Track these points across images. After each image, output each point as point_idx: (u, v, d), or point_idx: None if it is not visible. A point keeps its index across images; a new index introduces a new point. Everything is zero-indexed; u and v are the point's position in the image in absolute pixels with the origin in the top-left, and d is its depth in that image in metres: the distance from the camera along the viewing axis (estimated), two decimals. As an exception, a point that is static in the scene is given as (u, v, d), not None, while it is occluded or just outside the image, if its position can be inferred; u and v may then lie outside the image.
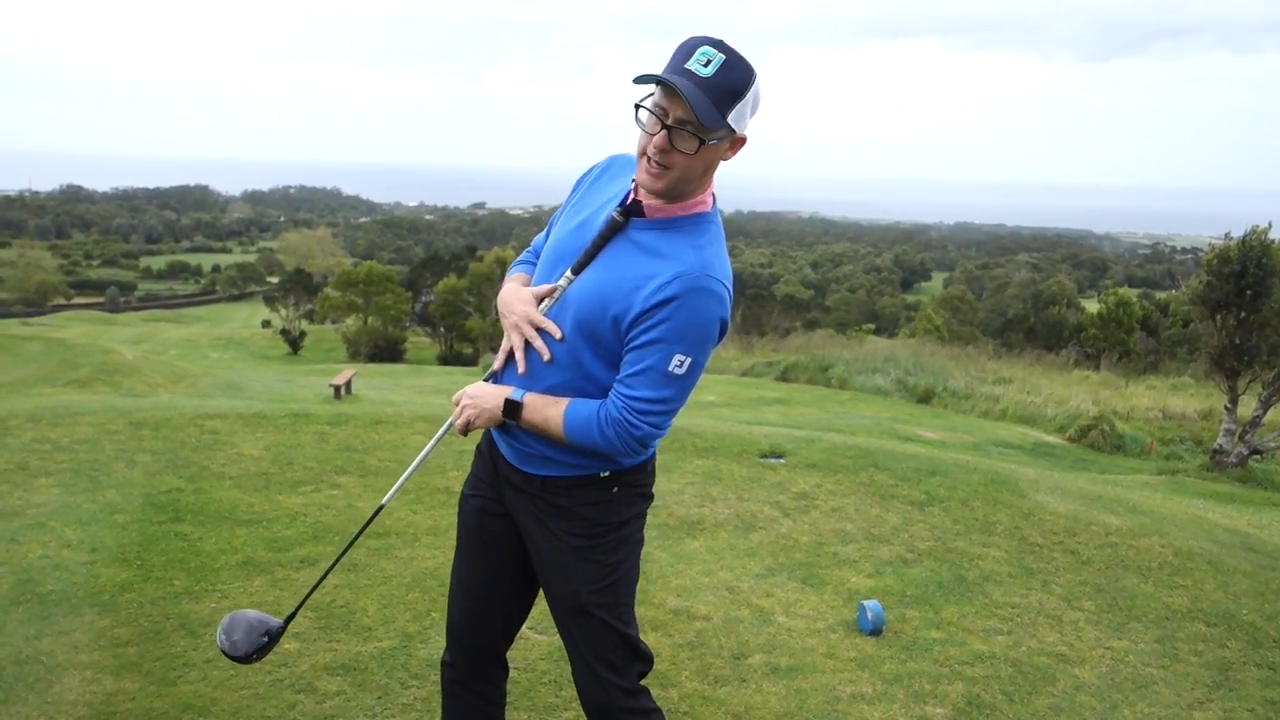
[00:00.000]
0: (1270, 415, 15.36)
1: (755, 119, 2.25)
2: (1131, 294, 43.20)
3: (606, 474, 2.44)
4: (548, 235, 2.57)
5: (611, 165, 2.50)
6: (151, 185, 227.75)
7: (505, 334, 2.43)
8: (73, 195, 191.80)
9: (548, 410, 2.33)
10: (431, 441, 2.55)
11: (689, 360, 2.24)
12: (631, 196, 2.31)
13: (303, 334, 51.64)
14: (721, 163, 2.29)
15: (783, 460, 7.14)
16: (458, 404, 2.43)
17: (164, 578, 4.47)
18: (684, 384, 2.28)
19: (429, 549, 5.02)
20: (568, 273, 2.35)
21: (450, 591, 2.69)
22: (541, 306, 2.38)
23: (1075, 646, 4.31)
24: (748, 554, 5.26)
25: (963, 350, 29.95)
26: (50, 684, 3.49)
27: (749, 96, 2.16)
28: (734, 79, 2.13)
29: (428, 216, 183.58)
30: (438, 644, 3.94)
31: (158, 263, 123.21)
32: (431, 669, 3.73)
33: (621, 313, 2.24)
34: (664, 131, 2.16)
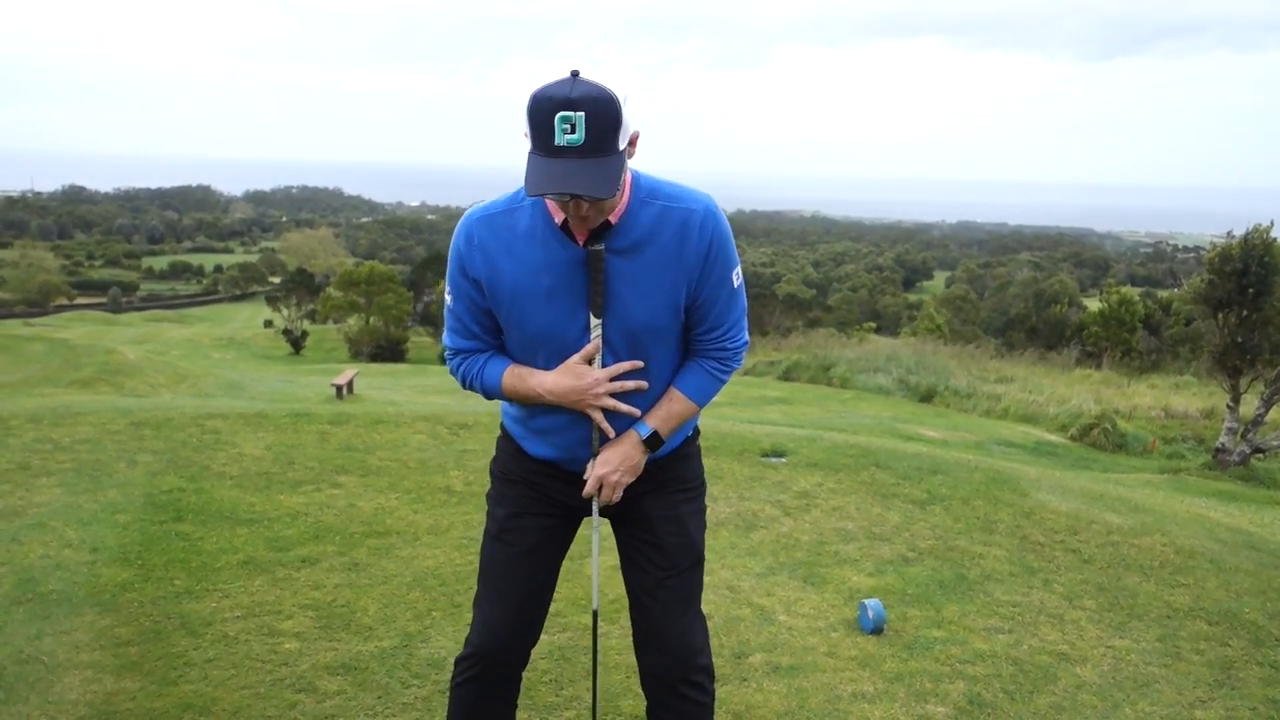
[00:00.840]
0: (1272, 414, 15.34)
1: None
2: (1133, 292, 43.13)
3: (691, 431, 2.62)
4: (477, 332, 2.45)
5: (474, 235, 2.35)
6: (154, 185, 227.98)
7: (589, 414, 2.41)
8: (75, 195, 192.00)
9: (672, 411, 2.46)
10: (595, 539, 2.60)
11: (738, 269, 2.40)
12: (571, 224, 2.26)
13: (305, 334, 51.66)
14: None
15: (784, 459, 7.14)
16: (604, 482, 2.44)
17: (165, 577, 4.48)
18: (744, 289, 2.47)
19: (430, 548, 5.02)
20: (592, 320, 2.32)
21: (481, 608, 2.58)
22: (595, 366, 2.37)
23: (1077, 645, 4.30)
24: (749, 553, 5.26)
25: (965, 349, 29.94)
26: (51, 683, 3.49)
27: (624, 113, 2.09)
28: (604, 121, 2.05)
29: (430, 216, 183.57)
30: (438, 644, 3.94)
31: (160, 263, 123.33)
32: (432, 668, 3.73)
33: (679, 294, 2.32)
34: (574, 201, 2.15)
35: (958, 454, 8.95)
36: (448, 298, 2.45)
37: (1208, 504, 9.09)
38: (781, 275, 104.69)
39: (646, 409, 2.44)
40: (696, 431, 2.64)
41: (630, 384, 2.39)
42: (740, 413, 15.37)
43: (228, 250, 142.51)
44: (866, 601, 4.37)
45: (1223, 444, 15.00)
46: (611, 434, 2.42)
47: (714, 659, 3.92)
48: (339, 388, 17.58)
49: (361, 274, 54.61)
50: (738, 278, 2.40)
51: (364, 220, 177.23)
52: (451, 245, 2.40)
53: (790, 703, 3.64)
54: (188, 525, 5.15)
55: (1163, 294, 51.92)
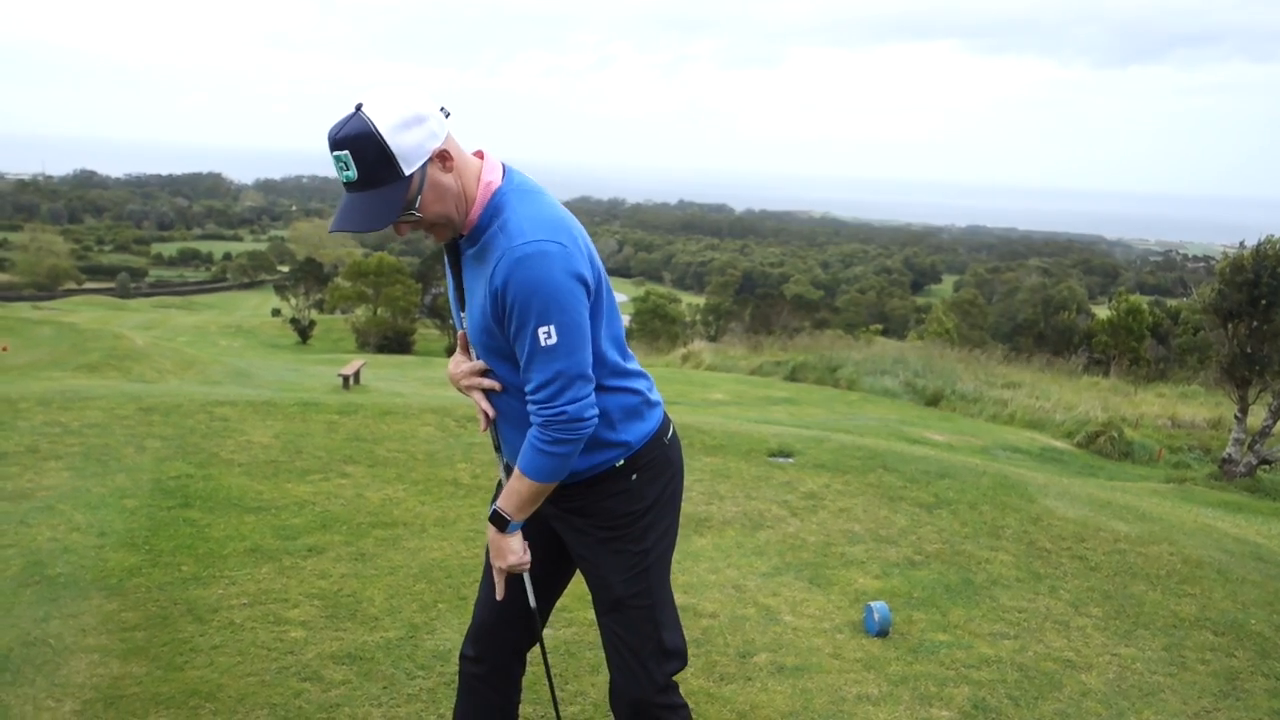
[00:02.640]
0: (1280, 425, 15.29)
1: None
2: (1142, 301, 43.00)
3: (621, 463, 2.44)
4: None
5: None
6: (164, 172, 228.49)
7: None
8: (86, 180, 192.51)
9: (511, 488, 2.37)
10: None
11: (551, 326, 2.19)
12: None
13: (312, 323, 51.78)
14: (470, 162, 2.29)
15: (791, 460, 7.13)
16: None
17: (172, 563, 4.48)
18: (564, 350, 2.21)
19: (436, 540, 5.03)
20: (460, 315, 2.44)
21: (480, 588, 2.70)
22: (472, 359, 2.46)
23: (1082, 652, 4.29)
24: (755, 552, 5.25)
25: (972, 354, 29.87)
26: (58, 666, 3.50)
27: (393, 144, 2.11)
28: (370, 157, 2.10)
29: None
30: (444, 635, 3.95)
31: (169, 249, 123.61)
32: (438, 660, 3.74)
33: (493, 318, 2.28)
34: (396, 225, 2.22)
35: (965, 458, 8.94)
36: None
37: (1214, 514, 9.06)
38: (790, 275, 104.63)
39: (522, 416, 2.36)
40: (630, 465, 2.45)
41: (487, 382, 2.41)
42: (746, 412, 15.36)
43: (237, 238, 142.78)
44: (872, 604, 4.37)
45: (1229, 454, 14.96)
46: (483, 419, 2.48)
47: (720, 657, 3.93)
48: (346, 378, 17.60)
49: (370, 265, 54.69)
50: (547, 336, 2.19)
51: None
52: None
53: (795, 703, 3.63)
54: (195, 512, 5.16)
55: (1172, 303, 51.75)
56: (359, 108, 2.11)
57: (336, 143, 2.10)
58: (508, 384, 2.38)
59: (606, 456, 2.42)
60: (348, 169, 2.11)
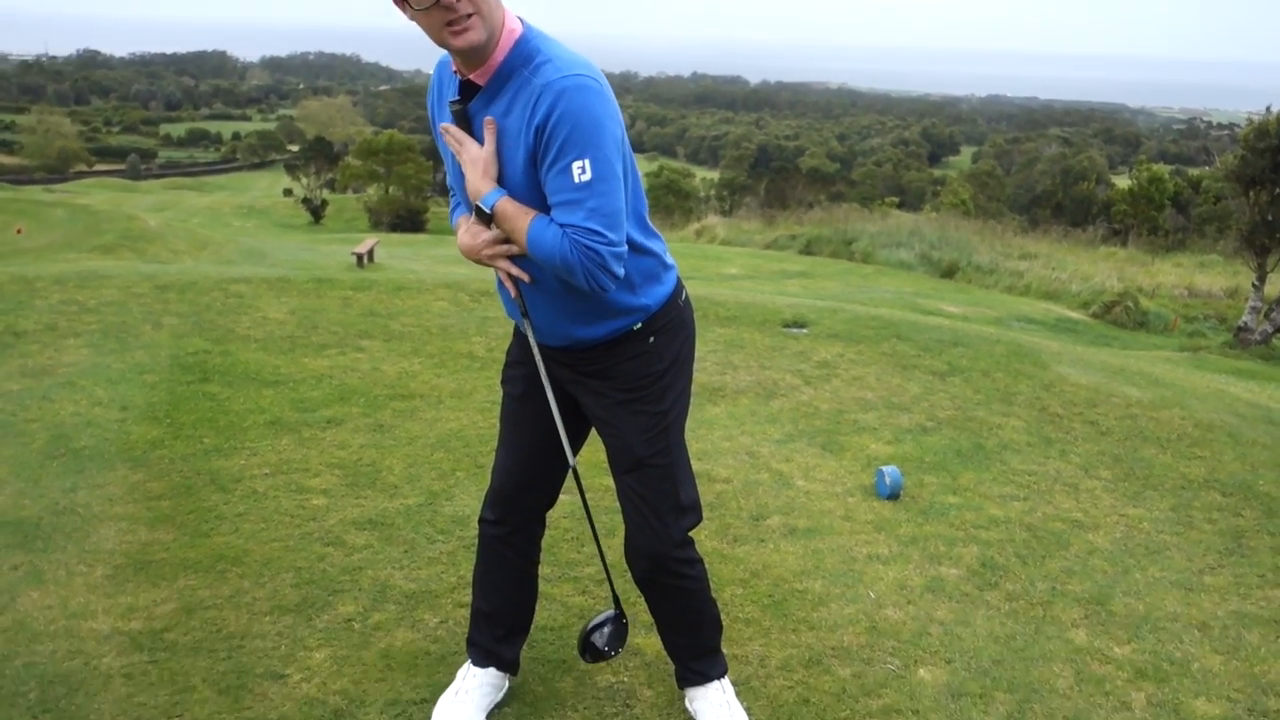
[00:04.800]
0: (1298, 293, 15.19)
1: None
2: (1163, 170, 42.28)
3: (639, 326, 2.43)
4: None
5: (433, 76, 2.44)
6: (169, 50, 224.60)
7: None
8: (90, 60, 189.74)
9: (513, 220, 2.25)
10: (556, 414, 2.53)
11: (588, 161, 2.12)
12: (459, 81, 2.27)
13: (324, 203, 51.44)
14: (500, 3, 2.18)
15: (805, 330, 7.14)
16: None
17: (194, 435, 4.56)
18: (599, 187, 2.14)
19: (453, 411, 5.09)
20: None
21: (496, 455, 2.72)
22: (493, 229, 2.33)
23: (1090, 513, 4.35)
24: (768, 420, 5.30)
25: (989, 225, 29.59)
26: (87, 534, 3.60)
27: None
28: None
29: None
30: (462, 502, 4.03)
31: (178, 130, 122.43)
32: (457, 524, 3.82)
33: (527, 165, 2.20)
34: (437, 9, 2.08)
35: (979, 327, 8.93)
36: None
37: (1227, 380, 9.08)
38: (805, 148, 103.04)
39: (548, 280, 2.33)
40: (647, 329, 2.45)
41: (515, 248, 2.30)
42: (761, 285, 15.33)
43: (245, 118, 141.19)
44: (883, 468, 4.42)
45: (1245, 323, 14.92)
46: (512, 291, 2.39)
47: (733, 520, 4.01)
48: (360, 256, 17.60)
49: (380, 143, 54.04)
50: (582, 171, 2.12)
51: (382, 88, 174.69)
52: None
53: (806, 563, 3.72)
54: (214, 386, 5.23)
55: (1193, 172, 50.81)
56: None
57: None
58: None
59: (627, 321, 2.42)
60: None
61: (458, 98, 2.27)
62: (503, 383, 2.71)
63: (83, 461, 4.20)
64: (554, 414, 2.53)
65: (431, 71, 2.46)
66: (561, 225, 2.16)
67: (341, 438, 4.67)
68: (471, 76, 2.22)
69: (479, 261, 2.38)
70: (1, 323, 6.02)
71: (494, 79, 2.20)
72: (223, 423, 4.74)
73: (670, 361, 2.51)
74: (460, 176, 2.33)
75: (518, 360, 2.63)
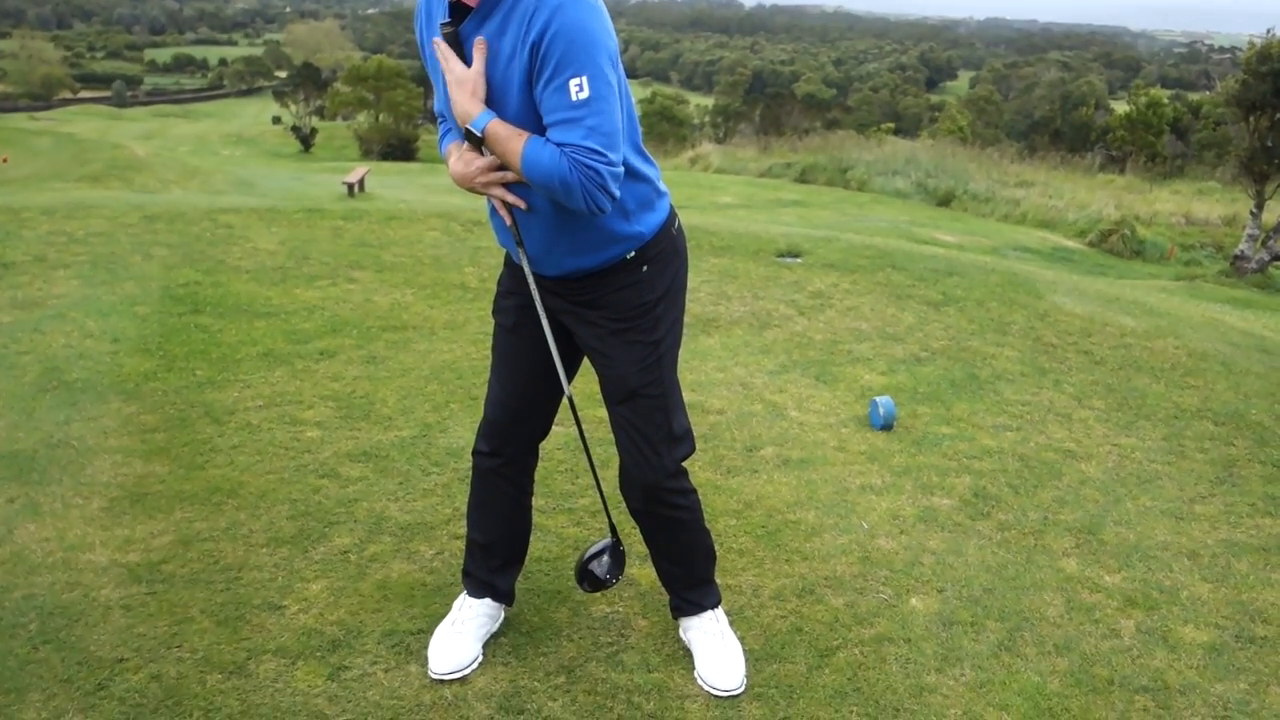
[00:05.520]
0: (1295, 221, 15.14)
1: None
2: (1163, 95, 41.87)
3: (632, 254, 2.40)
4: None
5: (420, 5, 2.36)
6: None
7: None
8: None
9: (511, 133, 2.17)
10: (543, 320, 2.47)
11: (585, 78, 2.07)
12: (449, 2, 2.20)
13: (314, 131, 50.88)
14: None
15: (799, 260, 7.10)
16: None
17: (186, 368, 4.55)
18: (596, 105, 2.09)
19: (446, 343, 5.07)
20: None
21: (489, 386, 2.71)
22: (486, 154, 2.27)
23: (1083, 443, 4.37)
24: (762, 351, 5.30)
25: (985, 152, 29.35)
26: (82, 466, 3.60)
27: None
28: None
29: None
30: (456, 434, 4.03)
31: (163, 55, 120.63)
32: (451, 456, 3.83)
33: (523, 85, 2.14)
34: None
35: (974, 256, 8.90)
36: None
37: (1222, 309, 9.08)
38: (801, 74, 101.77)
39: (544, 207, 2.28)
40: (640, 257, 2.42)
41: (511, 175, 2.24)
42: (755, 215, 15.24)
43: (231, 43, 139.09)
44: (877, 399, 4.43)
45: (1242, 251, 14.89)
46: (508, 219, 2.34)
47: (726, 451, 4.02)
48: (350, 185, 17.43)
49: (370, 69, 53.25)
50: (580, 88, 2.07)
51: (370, 11, 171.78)
52: None
53: (799, 494, 3.74)
54: (206, 318, 5.20)
55: (1194, 97, 50.34)
56: None
57: None
58: None
59: (621, 249, 2.39)
60: None
61: (449, 19, 2.20)
62: (494, 313, 2.67)
63: (75, 394, 4.19)
64: (549, 343, 2.51)
65: None
66: (559, 144, 2.11)
67: (335, 369, 4.66)
68: None
69: (472, 190, 2.32)
70: (-11, 254, 5.97)
71: (485, 1, 2.14)
72: (215, 355, 4.72)
73: (663, 291, 2.49)
74: (449, 101, 2.26)
75: (510, 290, 2.59)
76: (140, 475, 3.57)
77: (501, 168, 2.25)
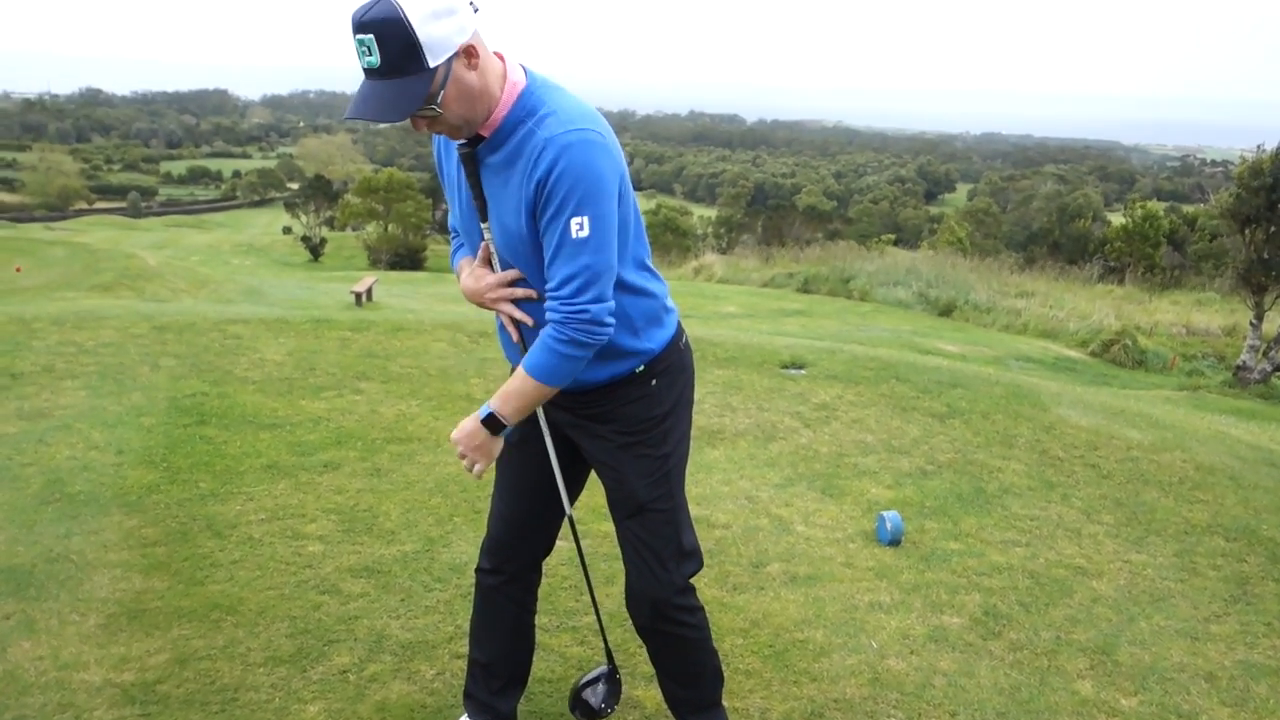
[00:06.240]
0: (1296, 332, 15.20)
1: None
2: (1158, 207, 42.50)
3: (641, 369, 2.42)
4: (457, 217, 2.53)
5: None
6: (171, 89, 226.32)
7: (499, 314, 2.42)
8: (92, 98, 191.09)
9: (511, 389, 2.30)
10: (549, 446, 2.54)
11: (586, 218, 2.14)
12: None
13: (323, 241, 51.64)
14: (493, 62, 2.18)
15: (803, 371, 7.12)
16: (460, 455, 2.39)
17: (190, 480, 4.53)
18: (594, 245, 2.16)
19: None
20: (482, 227, 2.32)
21: (492, 503, 2.69)
22: (496, 272, 2.36)
23: (1093, 559, 4.32)
24: (767, 464, 5.27)
25: (985, 263, 29.65)
26: (81, 581, 3.55)
27: (421, 33, 2.00)
28: (395, 45, 1.99)
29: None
30: (460, 548, 3.99)
31: (178, 168, 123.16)
32: (454, 572, 3.78)
33: (528, 216, 2.21)
34: (414, 119, 2.10)
35: (978, 368, 8.92)
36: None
37: (1228, 421, 9.06)
38: (802, 186, 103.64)
39: (540, 321, 2.33)
40: (649, 371, 2.44)
41: (520, 292, 2.32)
42: (759, 324, 15.34)
43: (245, 156, 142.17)
44: (884, 513, 4.39)
45: (1244, 361, 14.91)
46: (514, 332, 2.39)
47: (733, 568, 3.97)
48: (358, 295, 17.60)
49: (380, 181, 54.31)
50: (579, 228, 2.14)
51: (382, 126, 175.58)
52: None
53: (807, 611, 3.68)
54: (211, 429, 5.20)
55: (1188, 209, 51.05)
56: None
57: (361, 25, 1.99)
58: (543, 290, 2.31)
59: (629, 364, 2.41)
60: (370, 54, 2.00)
61: (465, 145, 2.26)
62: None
63: (77, 507, 4.16)
64: (552, 459, 2.51)
65: None
66: (552, 299, 2.20)
67: (338, 482, 4.63)
68: (480, 131, 2.22)
69: (482, 305, 2.38)
70: (-2, 364, 6.00)
71: (498, 132, 2.20)
72: (219, 467, 4.71)
73: (671, 405, 2.50)
74: (467, 217, 2.36)
75: None
76: (139, 591, 3.52)
77: (511, 284, 2.31)
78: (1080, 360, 16.80)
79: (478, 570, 2.72)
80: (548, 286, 2.21)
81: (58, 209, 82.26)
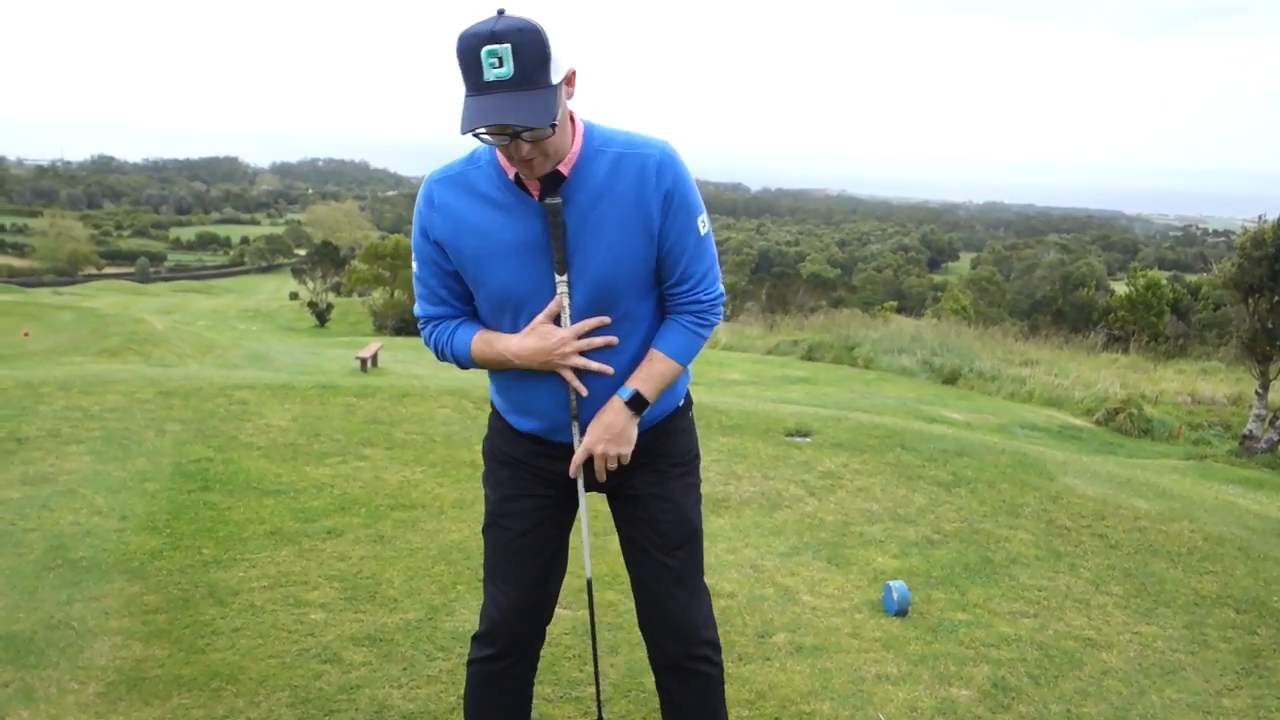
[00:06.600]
0: (1302, 401, 15.18)
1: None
2: (1161, 276, 42.66)
3: (682, 402, 2.55)
4: (446, 297, 2.44)
5: (434, 196, 2.35)
6: (182, 156, 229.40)
7: (560, 373, 2.37)
8: (104, 165, 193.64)
9: (653, 371, 2.39)
10: (583, 512, 2.56)
11: (704, 216, 2.36)
12: (534, 179, 2.24)
13: (330, 306, 51.85)
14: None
15: (808, 439, 7.11)
16: (592, 453, 2.40)
17: (193, 546, 4.51)
18: (710, 236, 2.41)
19: (455, 522, 5.04)
20: (557, 278, 2.29)
21: (491, 594, 2.58)
22: (564, 324, 2.33)
23: (1103, 631, 4.27)
24: (773, 532, 5.25)
25: (989, 331, 29.72)
26: (81, 649, 3.53)
27: (552, 47, 2.06)
28: (532, 53, 2.03)
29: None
30: (463, 616, 3.96)
31: (187, 234, 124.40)
32: (457, 641, 3.75)
33: (646, 236, 2.28)
34: (514, 142, 2.11)
35: (983, 436, 8.90)
36: (414, 265, 2.44)
37: (1235, 491, 9.01)
38: (806, 254, 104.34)
39: (623, 369, 2.38)
40: (687, 403, 2.58)
41: (599, 341, 2.33)
42: (763, 392, 15.34)
43: (254, 222, 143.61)
44: (891, 583, 4.36)
45: (1250, 431, 14.87)
46: (584, 393, 2.38)
47: (738, 638, 3.93)
48: (364, 361, 17.65)
49: (387, 247, 54.68)
50: (704, 225, 2.36)
51: (389, 193, 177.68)
52: (415, 210, 2.41)
53: (814, 683, 3.63)
54: (215, 495, 5.19)
55: (1191, 278, 51.27)
56: (503, 11, 2.04)
57: (495, 35, 2.00)
58: (635, 327, 2.38)
59: (680, 394, 2.55)
60: (501, 65, 2.01)
61: (546, 194, 2.24)
62: (498, 518, 2.56)
63: (79, 573, 4.14)
64: (584, 525, 2.57)
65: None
66: (681, 293, 2.38)
67: (342, 549, 4.61)
68: (559, 168, 2.23)
69: (548, 364, 2.35)
70: (4, 429, 6.02)
71: (578, 168, 2.24)
72: (222, 533, 4.69)
73: (698, 437, 2.66)
74: (530, 279, 2.29)
75: (523, 493, 2.53)
76: (139, 659, 3.49)
77: (585, 335, 2.33)
78: (1086, 428, 16.76)
79: (476, 660, 2.60)
80: (682, 285, 2.37)
81: (67, 274, 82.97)
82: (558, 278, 2.29)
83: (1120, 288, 44.97)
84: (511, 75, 2.02)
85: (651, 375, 2.37)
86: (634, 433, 2.40)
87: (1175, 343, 33.30)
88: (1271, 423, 14.82)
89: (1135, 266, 49.67)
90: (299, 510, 5.06)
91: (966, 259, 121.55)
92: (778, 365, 22.18)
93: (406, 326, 46.05)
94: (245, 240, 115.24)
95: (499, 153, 2.24)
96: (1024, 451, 7.32)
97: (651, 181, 2.24)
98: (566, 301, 2.31)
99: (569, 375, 2.36)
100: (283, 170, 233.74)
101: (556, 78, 2.08)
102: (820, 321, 31.70)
